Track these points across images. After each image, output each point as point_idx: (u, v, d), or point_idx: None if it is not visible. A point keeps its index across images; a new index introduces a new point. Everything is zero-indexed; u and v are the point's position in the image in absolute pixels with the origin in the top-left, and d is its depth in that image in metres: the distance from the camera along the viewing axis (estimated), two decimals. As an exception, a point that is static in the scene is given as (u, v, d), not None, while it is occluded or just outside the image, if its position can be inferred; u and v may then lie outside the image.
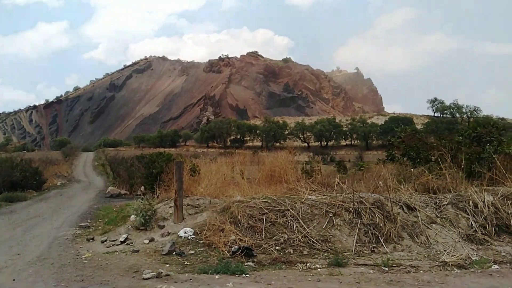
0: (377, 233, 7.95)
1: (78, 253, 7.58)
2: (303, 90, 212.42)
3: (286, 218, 8.12)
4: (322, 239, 7.67)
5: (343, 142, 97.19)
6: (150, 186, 14.55)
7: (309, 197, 8.91)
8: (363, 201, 8.59)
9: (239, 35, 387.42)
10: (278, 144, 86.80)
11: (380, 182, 10.57)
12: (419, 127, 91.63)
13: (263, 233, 7.74)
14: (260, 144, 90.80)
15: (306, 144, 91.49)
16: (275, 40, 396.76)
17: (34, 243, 8.81)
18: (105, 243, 8.22)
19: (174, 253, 7.05)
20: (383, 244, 7.75)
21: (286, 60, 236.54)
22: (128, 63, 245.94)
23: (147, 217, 8.35)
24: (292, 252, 7.27)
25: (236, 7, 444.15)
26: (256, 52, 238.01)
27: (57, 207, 16.84)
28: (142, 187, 21.12)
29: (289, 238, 7.62)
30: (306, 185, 9.73)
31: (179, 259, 6.81)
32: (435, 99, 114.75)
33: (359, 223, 8.08)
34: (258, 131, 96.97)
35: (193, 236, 7.74)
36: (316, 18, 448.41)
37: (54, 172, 36.64)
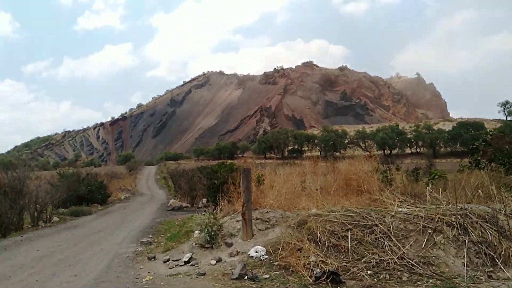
0: (492, 254, 6.41)
1: (139, 275, 6.74)
2: (361, 98, 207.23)
3: (375, 235, 6.80)
4: (423, 262, 6.26)
5: (407, 150, 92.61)
6: (213, 198, 13.72)
7: (399, 209, 7.51)
8: (469, 214, 7.07)
9: (294, 47, 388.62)
10: (338, 153, 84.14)
11: (479, 191, 8.94)
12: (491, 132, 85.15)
13: (349, 253, 6.46)
14: (318, 154, 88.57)
15: (367, 153, 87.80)
16: (330, 49, 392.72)
17: (94, 261, 8.16)
18: (167, 263, 7.34)
19: (246, 277, 5.98)
20: (502, 268, 6.20)
21: (343, 69, 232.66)
22: (187, 79, 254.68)
23: (212, 234, 7.37)
24: (388, 278, 5.93)
25: (290, 20, 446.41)
26: (311, 62, 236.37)
27: (120, 221, 16.57)
28: (204, 199, 20.50)
29: (381, 260, 6.29)
30: (391, 196, 8.32)
31: (253, 286, 5.72)
32: (507, 102, 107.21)
33: (467, 241, 6.57)
34: (316, 141, 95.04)
35: (266, 257, 6.64)
36: (371, 25, 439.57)
37: (119, 186, 37.50)
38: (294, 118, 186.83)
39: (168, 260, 7.45)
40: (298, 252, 6.50)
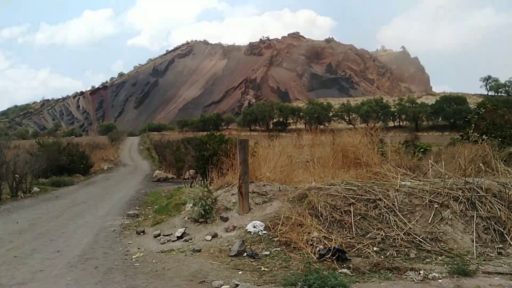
0: (501, 229, 6.15)
1: (127, 251, 6.27)
2: (347, 71, 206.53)
3: (379, 209, 6.45)
4: (430, 238, 5.95)
5: (390, 124, 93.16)
6: (202, 170, 13.25)
7: (403, 183, 7.17)
8: (476, 188, 6.77)
9: (280, 17, 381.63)
10: (322, 126, 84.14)
11: (480, 165, 8.66)
12: (472, 106, 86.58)
13: (353, 229, 6.11)
14: (303, 126, 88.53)
15: (351, 126, 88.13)
16: (317, 20, 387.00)
17: (78, 236, 7.66)
18: (158, 238, 6.89)
19: (245, 254, 5.58)
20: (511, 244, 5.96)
21: (329, 41, 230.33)
22: (170, 48, 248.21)
23: (207, 207, 6.91)
24: (395, 254, 5.60)
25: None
26: (298, 33, 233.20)
27: (103, 192, 16.04)
28: (191, 170, 20.06)
29: (387, 235, 5.96)
30: (392, 169, 7.96)
31: (253, 263, 5.31)
32: (489, 77, 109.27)
33: (475, 217, 6.29)
34: (301, 114, 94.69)
35: (265, 232, 6.23)
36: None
37: (101, 156, 36.66)
38: (279, 91, 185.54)
39: (159, 235, 7.00)
40: (299, 227, 6.11)
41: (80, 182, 20.28)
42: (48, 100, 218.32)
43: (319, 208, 6.44)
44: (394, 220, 6.23)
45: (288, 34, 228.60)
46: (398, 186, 6.93)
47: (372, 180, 7.63)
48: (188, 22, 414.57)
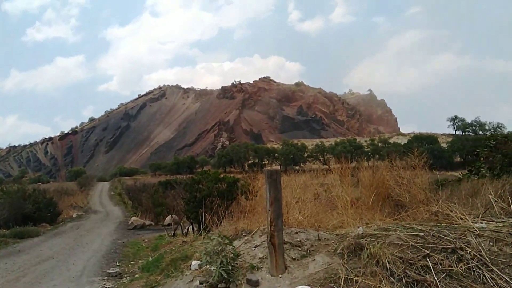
0: None
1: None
2: (317, 113, 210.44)
3: (466, 263, 4.77)
4: (548, 302, 4.29)
5: (365, 164, 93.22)
6: (194, 215, 11.33)
7: (477, 225, 5.56)
8: None
9: (251, 63, 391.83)
10: (297, 167, 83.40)
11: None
12: (443, 145, 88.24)
13: (441, 293, 4.39)
14: (279, 167, 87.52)
15: (326, 167, 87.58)
16: (286, 66, 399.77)
17: (44, 310, 5.59)
18: (161, 313, 4.93)
19: None
20: None
21: (299, 84, 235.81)
22: (142, 93, 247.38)
23: (230, 267, 5.02)
24: (518, 332, 3.90)
25: (248, 36, 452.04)
26: (269, 77, 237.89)
27: (74, 244, 13.74)
28: (174, 216, 18.00)
29: (491, 301, 4.27)
30: (456, 208, 6.36)
31: None
32: (456, 117, 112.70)
33: None
34: (276, 154, 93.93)
35: (319, 303, 4.41)
36: (325, 43, 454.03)
37: (70, 203, 33.93)
38: (252, 133, 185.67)
39: (161, 308, 5.03)
40: (369, 293, 4.34)
41: (47, 232, 17.77)
42: (15, 146, 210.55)
43: (387, 263, 4.70)
44: (491, 277, 4.56)
45: (260, 78, 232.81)
46: (478, 229, 5.31)
47: (431, 222, 6.00)
48: (160, 67, 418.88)
